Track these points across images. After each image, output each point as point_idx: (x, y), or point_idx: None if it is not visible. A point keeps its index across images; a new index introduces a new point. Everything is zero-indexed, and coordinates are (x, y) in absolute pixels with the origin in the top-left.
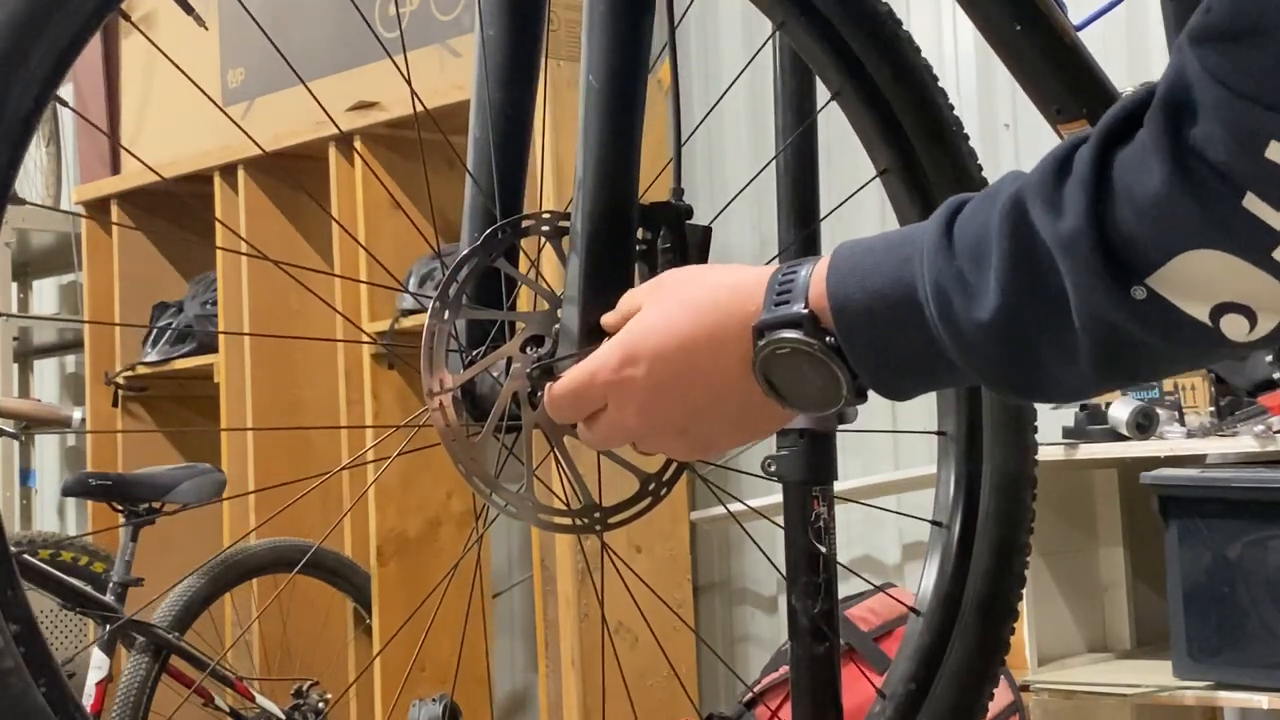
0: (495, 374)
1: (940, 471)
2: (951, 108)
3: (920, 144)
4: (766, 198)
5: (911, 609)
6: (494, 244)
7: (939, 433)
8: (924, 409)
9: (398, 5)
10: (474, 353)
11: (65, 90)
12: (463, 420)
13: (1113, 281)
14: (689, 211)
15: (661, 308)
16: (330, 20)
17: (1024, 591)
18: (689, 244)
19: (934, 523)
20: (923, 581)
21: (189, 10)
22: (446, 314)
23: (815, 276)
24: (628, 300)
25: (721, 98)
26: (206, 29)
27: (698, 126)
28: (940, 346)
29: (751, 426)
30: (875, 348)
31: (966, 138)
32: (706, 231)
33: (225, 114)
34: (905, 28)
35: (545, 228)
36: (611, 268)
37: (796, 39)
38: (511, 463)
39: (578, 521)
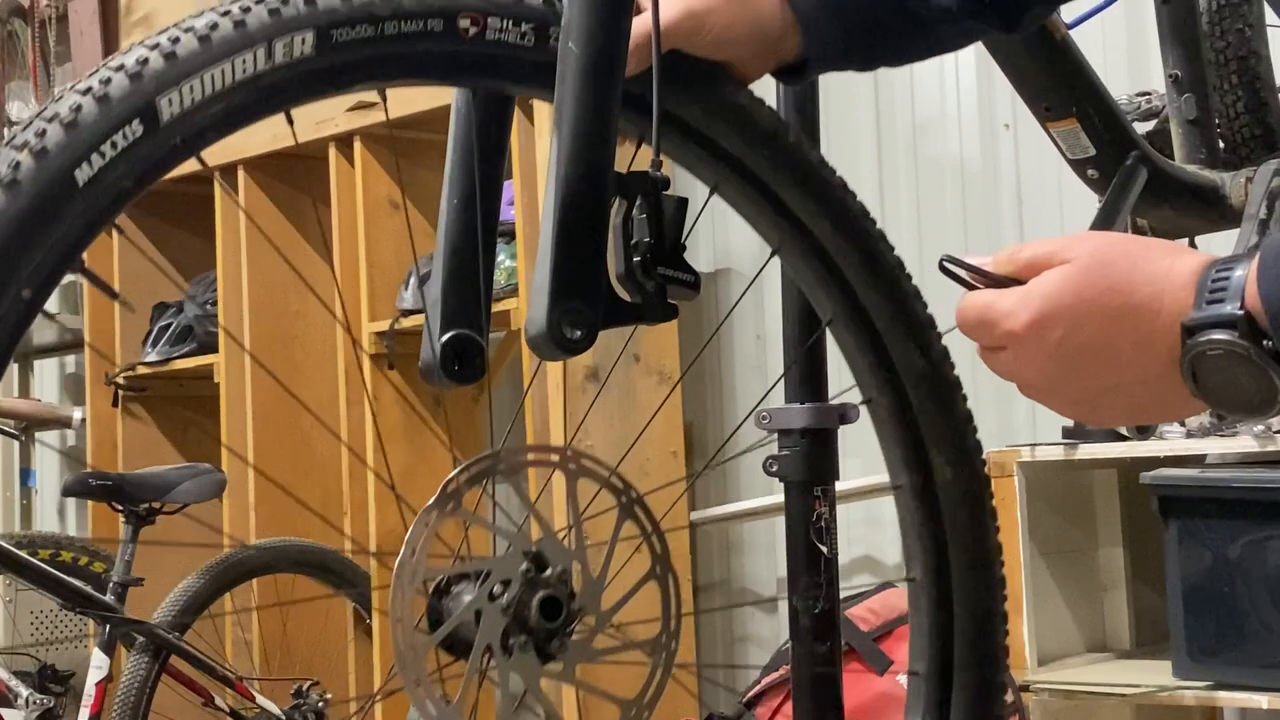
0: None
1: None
2: (892, 249)
3: (862, 289)
4: None
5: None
6: (448, 497)
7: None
8: None
9: None
10: (441, 587)
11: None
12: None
13: None
14: (666, 182)
15: (1088, 277)
16: None
17: (1024, 591)
18: (664, 215)
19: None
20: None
21: (113, 295)
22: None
23: (1250, 276)
24: (1047, 247)
25: None
26: (134, 311)
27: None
28: None
29: (1159, 413)
30: None
31: (910, 276)
32: (682, 203)
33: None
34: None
35: (502, 465)
36: (585, 234)
37: (731, 199)
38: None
39: None
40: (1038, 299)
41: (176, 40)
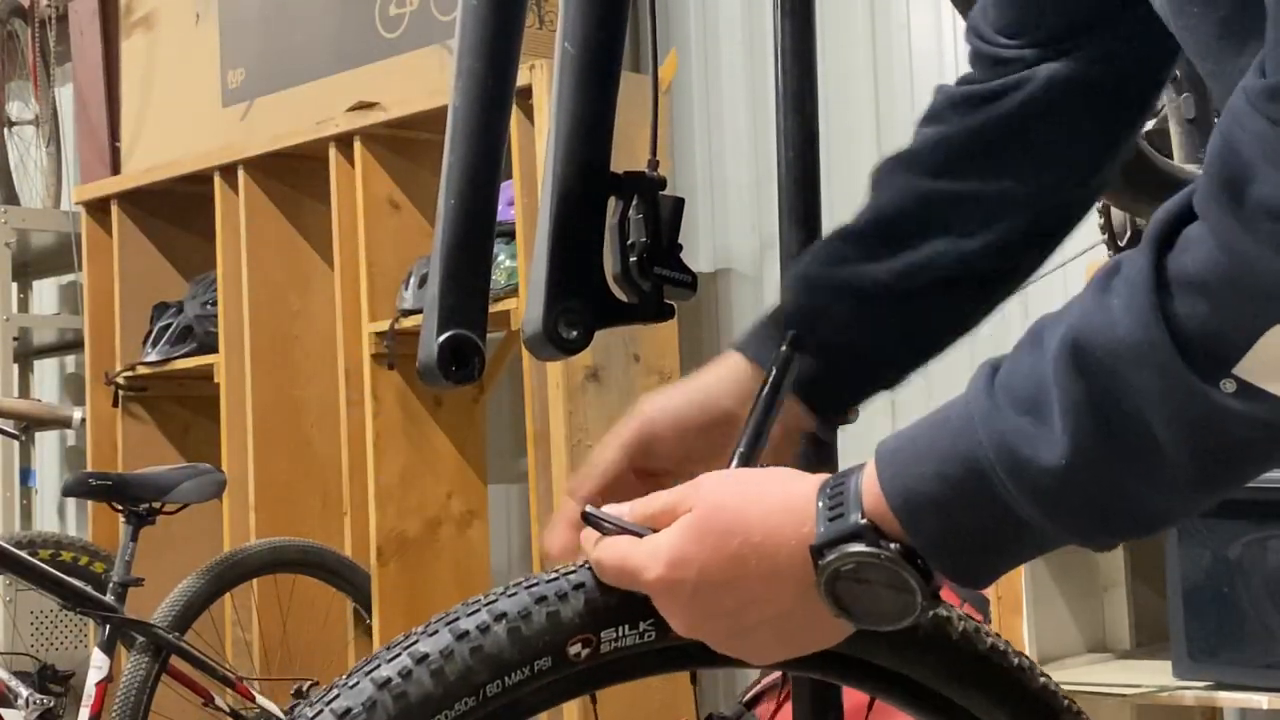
0: None
1: None
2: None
3: None
4: (767, 198)
5: None
6: None
7: None
8: (921, 408)
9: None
10: None
11: (65, 91)
12: None
13: (1198, 382)
14: (662, 183)
15: (706, 523)
16: (330, 20)
17: (1024, 591)
18: (661, 215)
19: None
20: None
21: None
22: None
23: (866, 480)
24: (672, 497)
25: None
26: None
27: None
28: (1016, 511)
29: (812, 641)
30: (949, 534)
31: None
32: (678, 203)
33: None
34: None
35: None
36: (581, 234)
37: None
38: None
39: None
40: (664, 551)
41: None
